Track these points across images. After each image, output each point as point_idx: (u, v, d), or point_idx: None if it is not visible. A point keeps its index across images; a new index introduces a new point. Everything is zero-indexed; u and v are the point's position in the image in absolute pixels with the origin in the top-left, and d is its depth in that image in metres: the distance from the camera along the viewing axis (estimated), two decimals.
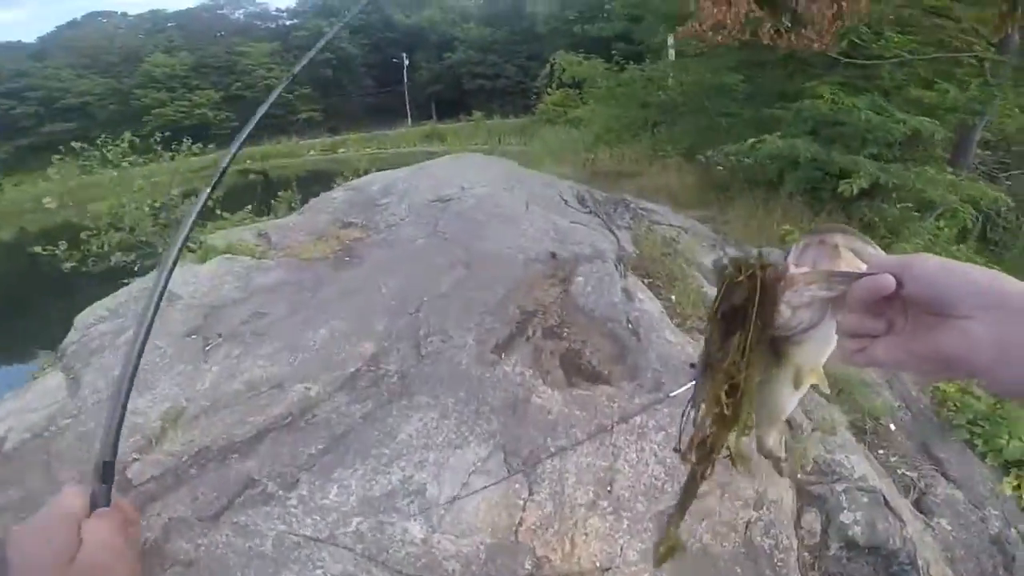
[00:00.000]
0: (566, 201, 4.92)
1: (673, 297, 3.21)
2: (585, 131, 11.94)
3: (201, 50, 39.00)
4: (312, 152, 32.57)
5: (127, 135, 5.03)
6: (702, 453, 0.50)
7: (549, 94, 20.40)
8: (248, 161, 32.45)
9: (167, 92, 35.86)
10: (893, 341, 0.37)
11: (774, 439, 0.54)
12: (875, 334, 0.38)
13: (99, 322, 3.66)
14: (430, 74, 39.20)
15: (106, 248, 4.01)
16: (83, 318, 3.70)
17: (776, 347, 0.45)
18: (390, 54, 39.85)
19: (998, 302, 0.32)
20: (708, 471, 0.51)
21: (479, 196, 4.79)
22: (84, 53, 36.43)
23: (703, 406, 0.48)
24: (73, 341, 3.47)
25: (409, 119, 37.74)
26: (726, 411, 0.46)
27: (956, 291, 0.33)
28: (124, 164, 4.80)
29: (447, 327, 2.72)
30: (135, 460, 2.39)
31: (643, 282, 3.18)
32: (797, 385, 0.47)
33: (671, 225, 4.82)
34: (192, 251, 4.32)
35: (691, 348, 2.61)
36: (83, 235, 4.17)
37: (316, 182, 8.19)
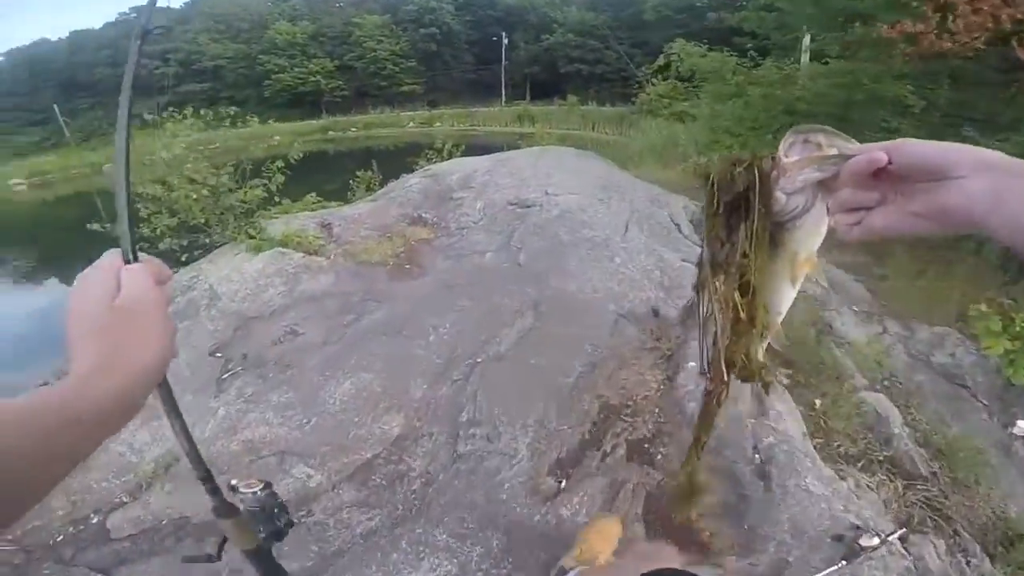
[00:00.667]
0: (678, 226, 3.96)
1: (818, 402, 2.23)
2: (696, 129, 10.53)
3: (320, 20, 41.23)
4: (411, 124, 33.56)
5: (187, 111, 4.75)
6: (717, 369, 0.50)
7: (654, 84, 18.97)
8: (353, 129, 34.43)
9: (287, 59, 38.47)
10: (889, 209, 0.42)
11: (763, 346, 0.54)
12: (870, 205, 0.43)
13: None
14: (527, 54, 38.74)
15: (157, 232, 3.81)
16: None
17: (773, 237, 0.47)
18: (491, 32, 39.85)
19: (990, 164, 0.38)
20: (725, 393, 0.52)
21: (565, 207, 4.01)
22: (219, 19, 39.97)
23: (718, 315, 0.48)
24: None
25: (503, 98, 37.53)
26: (742, 314, 0.47)
27: (952, 157, 0.38)
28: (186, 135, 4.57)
29: (496, 414, 2.05)
30: (120, 505, 2.03)
31: (780, 373, 2.24)
32: (794, 278, 0.49)
33: (814, 281, 3.58)
34: (251, 237, 4.05)
35: (840, 504, 1.67)
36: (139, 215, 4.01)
37: (410, 153, 7.79)
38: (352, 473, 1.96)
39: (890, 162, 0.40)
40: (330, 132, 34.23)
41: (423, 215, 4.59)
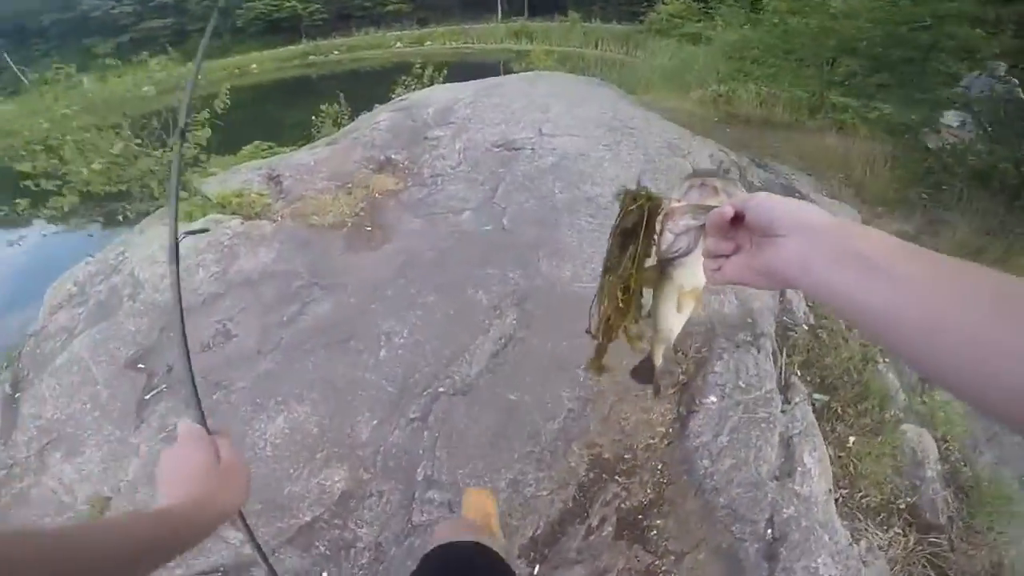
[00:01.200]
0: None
1: (852, 440, 1.69)
2: (713, 54, 9.23)
3: None
4: (399, 44, 30.96)
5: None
6: (606, 332, 0.61)
7: (665, 3, 17.12)
8: (335, 52, 31.71)
9: None
10: (738, 260, 0.44)
11: (660, 358, 0.66)
12: (726, 254, 0.45)
13: (64, 305, 2.86)
14: None
15: (60, 212, 3.12)
16: (51, 295, 2.94)
17: (663, 269, 0.54)
18: None
19: (807, 225, 0.38)
20: (610, 341, 0.62)
21: (563, 152, 3.22)
22: None
23: (605, 300, 0.59)
24: (35, 332, 2.72)
25: (499, 14, 34.44)
26: (621, 304, 0.58)
27: (776, 215, 0.40)
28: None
29: (460, 475, 1.50)
30: None
31: (811, 396, 1.70)
32: (679, 307, 0.56)
33: None
34: (190, 196, 3.33)
35: None
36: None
37: (401, 73, 6.83)
38: (290, 538, 1.46)
39: (741, 216, 0.43)
40: (311, 57, 31.59)
41: (392, 157, 3.82)
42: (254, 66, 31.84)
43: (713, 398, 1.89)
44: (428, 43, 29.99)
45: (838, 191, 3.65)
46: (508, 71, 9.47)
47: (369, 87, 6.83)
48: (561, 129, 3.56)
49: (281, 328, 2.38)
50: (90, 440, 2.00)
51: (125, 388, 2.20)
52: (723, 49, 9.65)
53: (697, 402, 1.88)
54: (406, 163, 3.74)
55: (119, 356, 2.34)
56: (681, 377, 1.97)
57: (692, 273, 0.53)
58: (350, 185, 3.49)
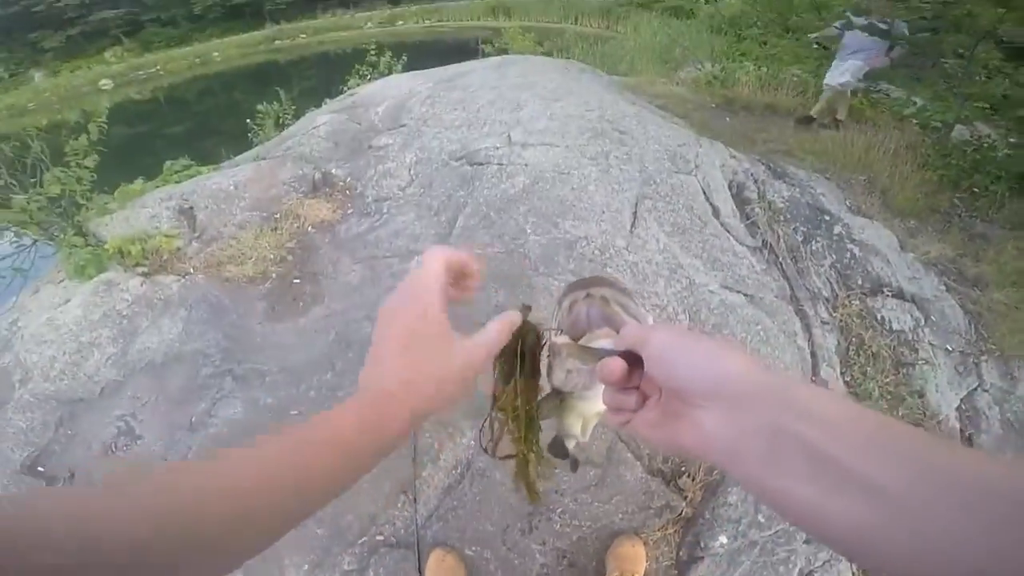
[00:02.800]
0: (716, 209, 2.45)
1: None
2: (699, 28, 8.53)
3: None
4: (369, 24, 29.62)
5: None
6: (501, 452, 0.51)
7: None
8: (302, 36, 30.13)
9: None
10: (648, 417, 0.35)
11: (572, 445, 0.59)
12: (629, 408, 0.36)
13: None
14: None
15: None
16: None
17: (563, 399, 0.48)
18: None
19: (722, 391, 0.29)
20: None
21: (537, 169, 2.53)
22: None
23: (495, 427, 0.49)
24: None
25: None
26: (514, 437, 0.49)
27: (682, 373, 0.31)
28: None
29: None
30: None
31: None
32: (583, 431, 0.52)
33: (894, 293, 2.26)
34: (81, 243, 2.65)
35: None
36: None
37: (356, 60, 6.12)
38: None
39: (641, 362, 0.34)
40: (277, 42, 30.01)
41: (331, 173, 3.14)
42: (216, 54, 30.21)
43: (723, 539, 1.40)
44: (400, 23, 28.72)
45: (864, 201, 3.04)
46: (484, 53, 8.67)
47: (341, 70, 6.13)
48: (535, 135, 2.88)
49: (188, 434, 1.80)
50: None
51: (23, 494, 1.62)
52: (712, 23, 8.94)
53: (702, 545, 1.39)
54: (346, 180, 3.07)
55: (13, 458, 1.86)
56: (684, 511, 1.43)
57: (594, 405, 0.46)
58: (277, 216, 2.83)
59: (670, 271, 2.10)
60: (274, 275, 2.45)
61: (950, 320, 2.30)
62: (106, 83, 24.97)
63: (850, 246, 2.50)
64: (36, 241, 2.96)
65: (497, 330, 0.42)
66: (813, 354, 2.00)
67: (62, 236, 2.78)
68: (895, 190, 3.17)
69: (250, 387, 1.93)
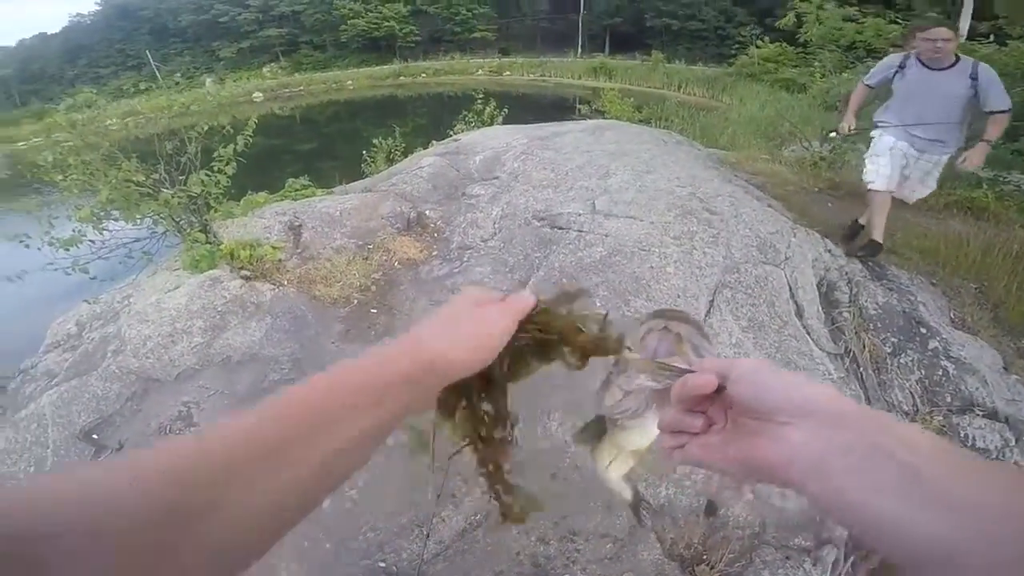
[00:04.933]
0: (799, 308, 2.33)
1: None
2: (812, 103, 8.29)
3: None
4: (480, 72, 32.19)
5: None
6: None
7: (758, 46, 16.32)
8: (423, 75, 33.43)
9: (362, 3, 37.62)
10: (710, 441, 0.37)
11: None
12: (693, 431, 0.37)
13: (60, 345, 2.66)
14: (608, 5, 35.70)
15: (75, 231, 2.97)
16: (52, 331, 2.79)
17: (601, 426, 0.47)
18: None
19: (814, 411, 0.31)
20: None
21: (617, 241, 2.54)
22: None
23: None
24: (26, 368, 2.55)
25: (580, 49, 35.00)
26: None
27: (774, 395, 0.32)
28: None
29: None
30: None
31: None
32: (610, 466, 0.47)
33: (986, 413, 2.02)
34: (202, 239, 3.06)
35: None
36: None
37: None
38: None
39: (722, 387, 0.35)
40: (401, 78, 33.48)
41: (425, 214, 3.38)
42: (350, 82, 34.33)
43: None
44: (507, 73, 30.92)
45: (971, 313, 2.69)
46: (580, 113, 9.01)
47: (451, 113, 6.68)
48: (620, 206, 2.92)
49: None
50: None
51: (70, 458, 1.92)
52: (826, 100, 8.64)
53: None
54: (437, 223, 3.29)
55: (77, 422, 2.08)
56: None
57: (637, 438, 0.45)
58: (370, 247, 3.08)
59: None
60: (356, 301, 2.65)
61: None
62: (258, 96, 29.06)
63: (944, 363, 2.24)
64: (167, 231, 3.45)
65: (524, 300, 0.43)
66: None
67: (189, 231, 3.22)
68: (1011, 302, 2.77)
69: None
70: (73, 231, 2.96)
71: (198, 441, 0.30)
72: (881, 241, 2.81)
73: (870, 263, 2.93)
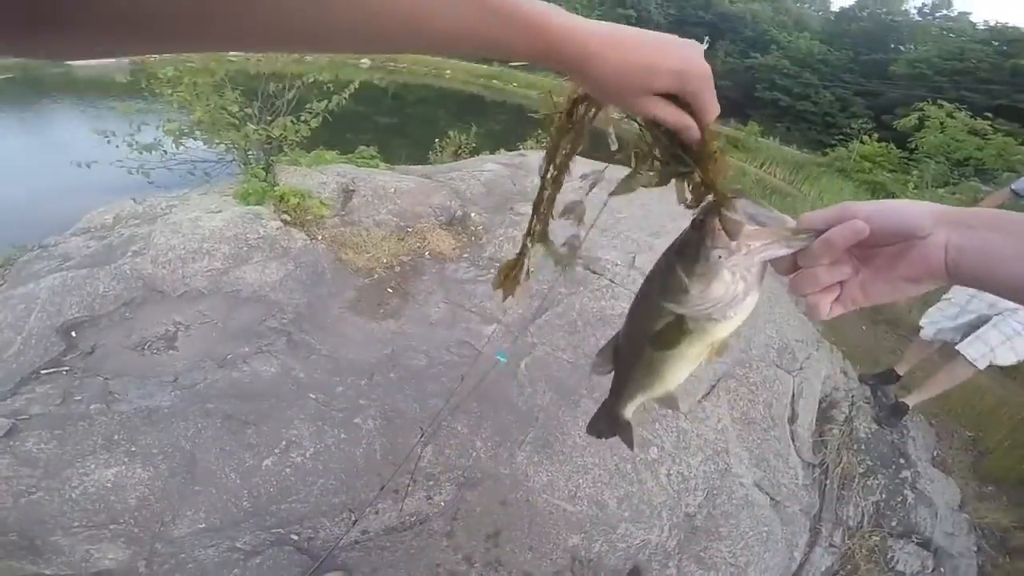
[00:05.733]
0: (794, 414, 2.27)
1: None
2: None
3: None
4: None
5: None
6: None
7: (863, 142, 15.80)
8: (513, 84, 34.16)
9: None
10: (866, 279, 0.40)
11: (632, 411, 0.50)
12: (845, 279, 0.40)
13: (87, 232, 2.82)
14: (724, 67, 35.42)
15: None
16: (89, 217, 2.94)
17: (689, 325, 0.40)
18: (692, 33, 36.93)
19: (948, 218, 0.37)
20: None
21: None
22: None
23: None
24: (45, 244, 2.70)
25: None
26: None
27: (918, 218, 0.37)
28: None
29: None
30: None
31: None
32: (711, 355, 0.42)
33: (920, 541, 2.15)
34: (261, 176, 3.22)
35: None
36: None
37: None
38: None
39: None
40: (494, 80, 34.33)
41: (470, 215, 3.43)
42: (448, 72, 35.53)
43: None
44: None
45: (954, 456, 2.69)
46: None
47: (526, 127, 6.77)
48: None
49: (214, 367, 2.00)
50: None
51: (36, 352, 1.95)
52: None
53: None
54: (477, 228, 3.33)
55: (64, 314, 2.11)
56: None
57: (733, 323, 0.40)
58: (408, 230, 3.15)
59: (713, 451, 2.01)
60: (376, 276, 2.71)
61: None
62: (365, 62, 30.50)
63: (907, 492, 2.34)
64: (234, 160, 3.65)
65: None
66: (801, 566, 1.92)
67: (253, 165, 3.39)
68: (996, 455, 2.80)
69: (295, 355, 2.11)
70: (154, 139, 3.18)
71: None
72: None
73: (879, 392, 2.80)
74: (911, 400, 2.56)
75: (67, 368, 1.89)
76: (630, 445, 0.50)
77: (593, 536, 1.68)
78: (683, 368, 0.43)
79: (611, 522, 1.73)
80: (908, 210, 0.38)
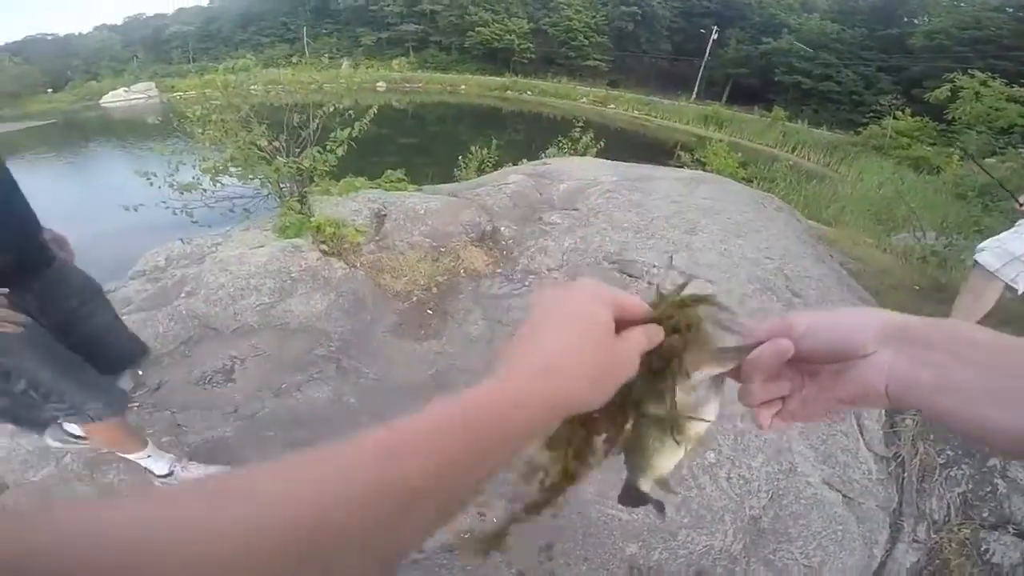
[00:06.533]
0: (863, 433, 2.11)
1: None
2: (941, 188, 7.50)
3: None
4: (584, 100, 32.46)
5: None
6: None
7: (896, 118, 15.07)
8: (528, 93, 34.49)
9: (492, 13, 39.66)
10: (808, 395, 0.38)
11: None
12: (784, 395, 0.39)
13: (144, 275, 2.99)
14: (737, 55, 34.52)
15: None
16: (143, 261, 3.12)
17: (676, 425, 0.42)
18: (699, 24, 36.44)
19: (900, 334, 0.34)
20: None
21: None
22: None
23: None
24: (110, 291, 2.86)
25: (694, 94, 34.17)
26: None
27: (859, 333, 0.35)
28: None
29: None
30: None
31: None
32: (687, 450, 0.43)
33: (1017, 531, 1.88)
34: (296, 208, 3.35)
35: None
36: None
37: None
38: None
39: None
40: (508, 92, 34.73)
41: (500, 230, 3.45)
42: (463, 87, 36.23)
43: None
44: (612, 105, 30.94)
45: None
46: (680, 160, 8.79)
47: (548, 135, 6.81)
48: (699, 268, 2.80)
49: (271, 397, 2.07)
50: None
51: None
52: (959, 187, 7.75)
53: None
54: (509, 242, 3.34)
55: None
56: None
57: (701, 425, 0.41)
58: (442, 250, 3.19)
59: (775, 451, 1.91)
60: (415, 298, 2.75)
61: None
62: (381, 85, 31.48)
63: (997, 480, 2.08)
64: (269, 194, 3.81)
65: (648, 332, 0.38)
66: (883, 564, 1.77)
67: (288, 198, 3.53)
68: None
69: (345, 381, 2.16)
70: (192, 178, 3.37)
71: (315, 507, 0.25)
72: None
73: None
74: None
75: (137, 404, 1.99)
76: (660, 512, 0.50)
77: (652, 544, 1.63)
78: (669, 458, 0.45)
79: (670, 529, 1.67)
80: (849, 323, 0.35)
